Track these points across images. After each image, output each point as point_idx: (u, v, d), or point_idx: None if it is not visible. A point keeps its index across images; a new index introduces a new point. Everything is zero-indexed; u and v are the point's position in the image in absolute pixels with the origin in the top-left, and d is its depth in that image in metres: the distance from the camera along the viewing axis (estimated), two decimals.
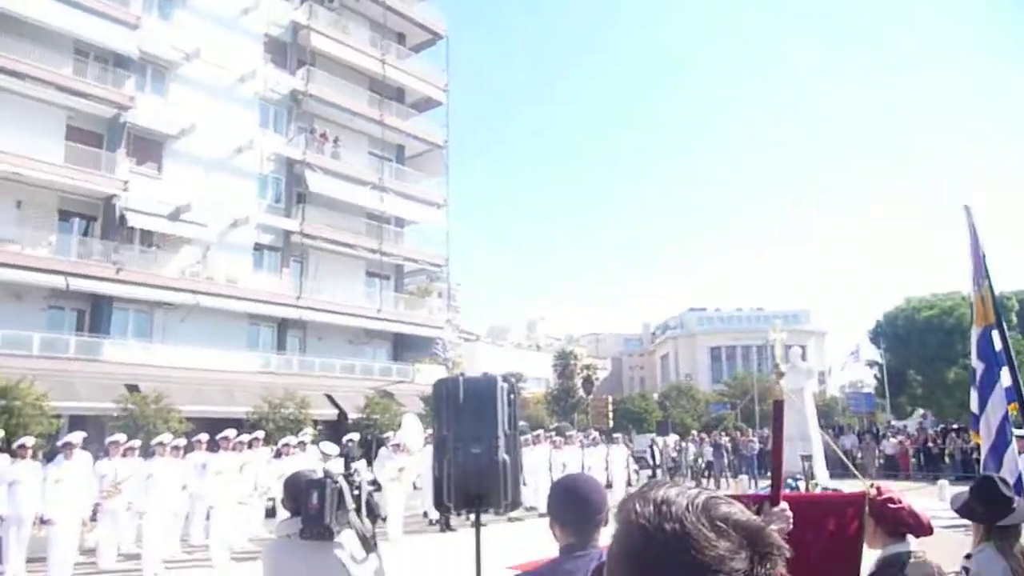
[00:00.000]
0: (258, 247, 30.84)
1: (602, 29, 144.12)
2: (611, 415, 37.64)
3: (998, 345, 5.84)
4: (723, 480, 25.42)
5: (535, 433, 19.65)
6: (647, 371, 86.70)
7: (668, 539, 0.88)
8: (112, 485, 11.41)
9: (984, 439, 5.87)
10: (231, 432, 13.35)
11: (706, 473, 26.24)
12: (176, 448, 12.13)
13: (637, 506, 0.93)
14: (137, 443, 12.75)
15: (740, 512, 0.92)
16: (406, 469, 13.84)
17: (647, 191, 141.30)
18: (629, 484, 22.67)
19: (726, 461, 26.56)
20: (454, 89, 39.39)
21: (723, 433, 28.35)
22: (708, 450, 27.15)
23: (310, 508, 3.13)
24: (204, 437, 13.36)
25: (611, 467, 20.83)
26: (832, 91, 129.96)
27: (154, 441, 12.26)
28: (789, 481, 16.15)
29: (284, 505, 3.35)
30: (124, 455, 12.09)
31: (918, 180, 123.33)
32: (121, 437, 12.58)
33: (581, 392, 52.65)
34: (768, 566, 0.89)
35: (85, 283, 24.64)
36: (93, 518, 11.43)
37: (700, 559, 0.86)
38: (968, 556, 3.28)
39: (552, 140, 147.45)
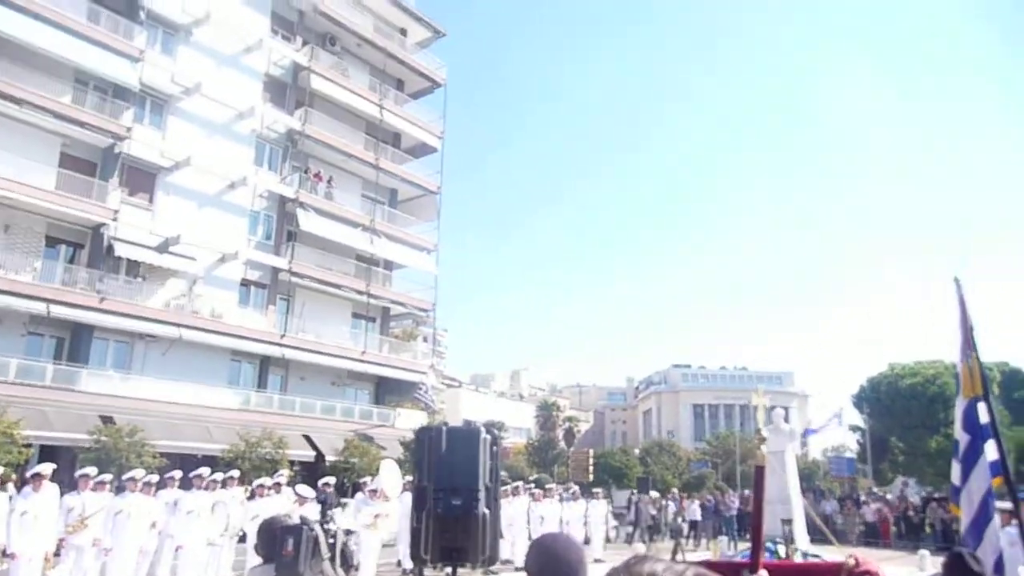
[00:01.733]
0: (245, 283, 30.72)
1: (600, 91, 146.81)
2: (592, 469, 37.23)
3: (984, 418, 5.84)
4: (704, 540, 25.09)
5: (514, 485, 19.37)
6: (629, 425, 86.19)
7: None
8: (79, 520, 11.11)
9: (965, 512, 5.83)
10: (205, 470, 13.07)
11: (689, 533, 25.91)
12: (148, 484, 11.85)
13: None
14: (108, 477, 12.43)
15: None
16: (382, 516, 13.56)
17: (638, 246, 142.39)
18: (608, 541, 22.34)
19: (711, 522, 26.35)
20: (449, 135, 39.84)
21: (708, 493, 28.09)
22: (694, 509, 26.92)
23: (285, 555, 3.05)
24: (177, 474, 13.08)
25: (590, 523, 20.55)
26: (819, 155, 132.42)
27: (125, 476, 11.98)
28: (769, 545, 15.97)
29: (257, 550, 3.26)
30: (94, 489, 11.76)
31: (907, 249, 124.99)
32: (92, 470, 12.27)
33: (563, 444, 52.22)
34: None
35: (66, 311, 24.38)
36: (57, 553, 11.09)
37: None
38: None
39: (543, 193, 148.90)
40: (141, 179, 27.75)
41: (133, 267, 27.08)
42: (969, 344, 5.92)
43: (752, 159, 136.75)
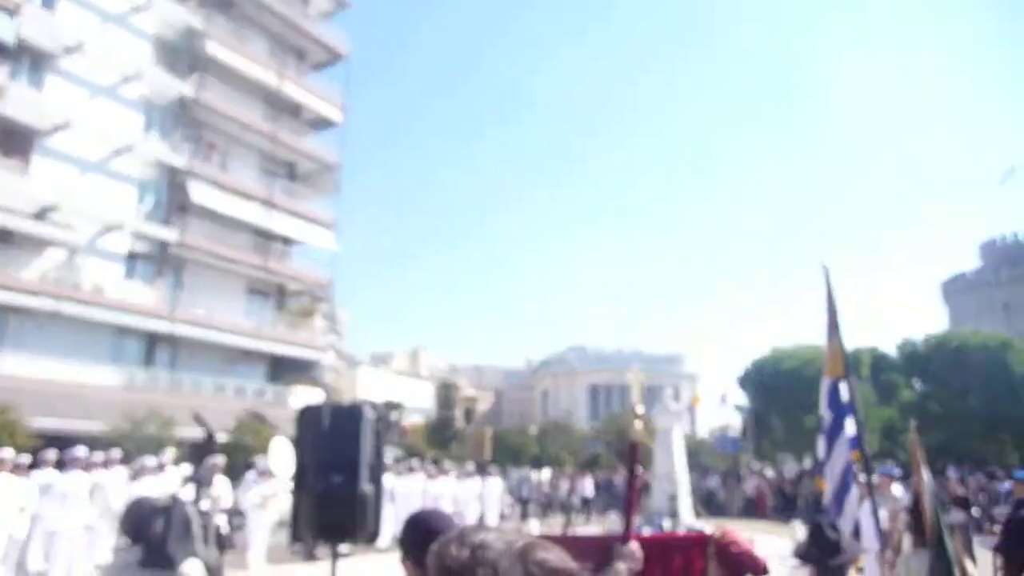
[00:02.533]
0: (132, 256, 29.26)
1: (508, 60, 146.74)
2: (490, 448, 37.58)
3: (845, 396, 6.27)
4: (595, 516, 25.87)
5: (409, 464, 19.39)
6: (527, 405, 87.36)
7: None
8: None
9: (828, 484, 6.26)
10: (82, 450, 12.47)
11: (582, 510, 26.62)
12: (18, 465, 11.22)
13: (453, 549, 0.94)
14: None
15: (556, 558, 0.94)
16: (272, 496, 13.30)
17: (537, 223, 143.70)
18: (503, 518, 22.69)
19: (600, 498, 27.18)
20: (354, 111, 39.07)
21: (598, 471, 28.90)
22: (587, 486, 27.65)
23: (152, 535, 2.97)
24: (52, 455, 12.41)
25: (484, 500, 20.80)
26: (712, 132, 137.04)
27: None
28: (655, 519, 16.63)
29: (123, 531, 3.16)
30: None
31: (797, 235, 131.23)
32: None
33: (461, 423, 52.52)
34: None
35: None
36: None
37: None
38: None
39: (446, 171, 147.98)
40: (16, 141, 25.91)
41: (6, 235, 25.33)
42: (834, 327, 6.31)
43: (645, 130, 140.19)
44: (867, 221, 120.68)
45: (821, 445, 6.30)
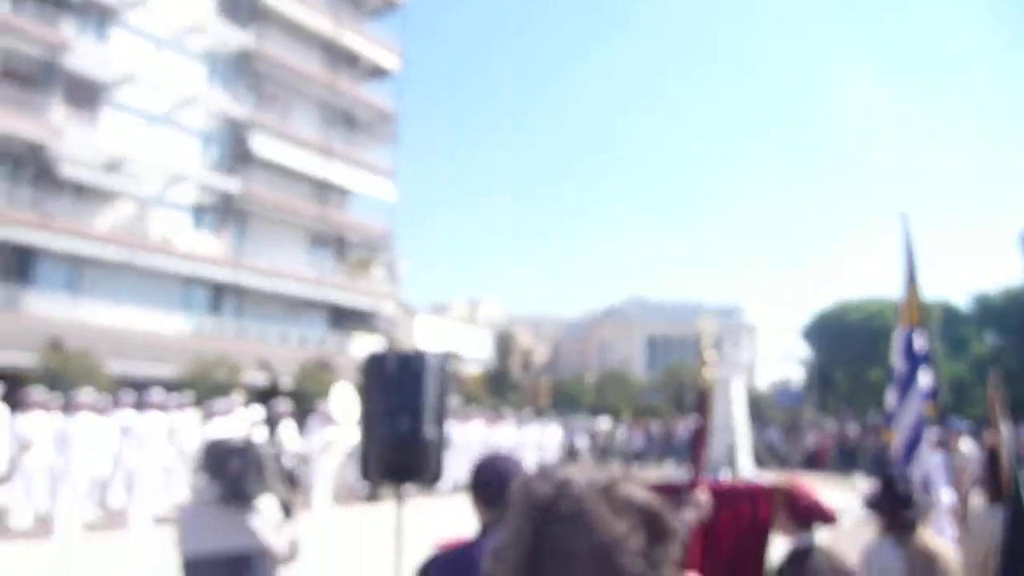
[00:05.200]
0: (197, 207, 30.02)
1: (569, 16, 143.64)
2: (548, 397, 38.00)
3: (919, 346, 6.06)
4: (652, 466, 25.97)
5: (469, 410, 19.71)
6: (585, 355, 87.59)
7: (565, 517, 0.88)
8: (28, 442, 11.01)
9: (898, 436, 6.11)
10: (158, 392, 12.99)
11: (637, 458, 26.76)
12: (98, 407, 11.75)
13: (536, 485, 0.93)
14: (57, 400, 12.29)
15: (640, 493, 0.93)
16: (335, 440, 13.70)
17: (596, 174, 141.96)
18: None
19: (657, 448, 27.19)
20: (411, 59, 38.90)
21: (654, 421, 28.93)
22: (640, 436, 27.69)
23: (230, 474, 3.07)
24: (130, 397, 12.98)
25: (544, 448, 21.06)
26: (772, 88, 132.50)
27: (76, 398, 11.85)
28: (713, 469, 16.61)
29: (202, 469, 3.28)
30: (43, 411, 11.65)
31: (857, 183, 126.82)
32: (40, 392, 12.13)
33: (520, 373, 53.07)
34: (663, 547, 0.89)
35: (9, 231, 23.60)
36: (7, 476, 11.03)
37: (597, 538, 0.86)
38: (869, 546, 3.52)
39: (505, 120, 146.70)
40: (84, 95, 26.60)
41: (79, 188, 26.20)
42: (911, 276, 6.09)
43: (702, 93, 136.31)
44: (940, 169, 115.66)
45: (892, 396, 6.13)
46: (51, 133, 24.69)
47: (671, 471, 23.66)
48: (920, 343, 5.96)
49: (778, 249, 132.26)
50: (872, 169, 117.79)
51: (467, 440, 17.34)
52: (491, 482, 2.43)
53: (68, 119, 25.57)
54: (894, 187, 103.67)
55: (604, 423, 30.08)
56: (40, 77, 25.47)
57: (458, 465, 14.34)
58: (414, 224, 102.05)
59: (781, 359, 44.25)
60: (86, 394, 11.79)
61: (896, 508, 3.42)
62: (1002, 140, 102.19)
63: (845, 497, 14.28)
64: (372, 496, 14.28)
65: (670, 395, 43.93)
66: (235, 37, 30.87)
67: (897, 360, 6.11)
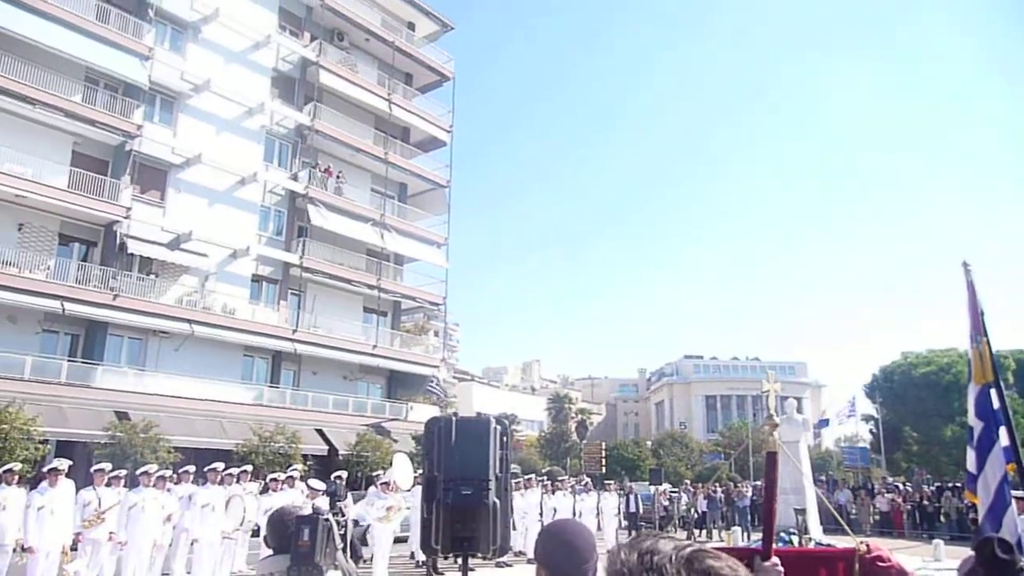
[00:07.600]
0: (256, 279, 30.86)
1: (614, 81, 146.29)
2: (604, 461, 37.30)
3: (996, 404, 5.81)
4: (715, 532, 25.07)
5: (527, 477, 19.44)
6: (641, 417, 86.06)
7: None
8: (95, 514, 11.21)
9: (982, 500, 5.80)
10: (219, 464, 13.18)
11: (699, 524, 25.91)
12: (162, 478, 11.96)
13: (623, 555, 0.93)
14: (123, 472, 12.55)
15: (725, 566, 0.91)
16: (394, 509, 13.64)
17: (648, 236, 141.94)
18: (621, 531, 22.35)
19: (719, 512, 26.26)
20: (458, 128, 39.88)
21: (716, 484, 28.03)
22: (702, 501, 26.81)
23: (300, 545, 3.04)
24: (191, 468, 13.20)
25: (603, 514, 20.57)
26: (829, 146, 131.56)
27: (139, 471, 12.08)
28: (782, 535, 15.95)
29: (267, 542, 3.27)
30: (109, 484, 11.88)
31: (916, 235, 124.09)
32: (107, 465, 12.39)
33: (575, 436, 52.29)
34: None
35: (81, 308, 24.55)
36: (74, 547, 11.21)
37: None
38: None
39: (552, 183, 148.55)
40: (152, 176, 27.90)
41: (146, 264, 27.23)
42: (979, 329, 5.87)
43: (762, 149, 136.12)
44: (999, 212, 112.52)
45: (971, 457, 5.86)
46: (121, 213, 25.84)
47: (737, 537, 22.81)
48: (995, 399, 5.71)
49: (839, 301, 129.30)
50: (934, 213, 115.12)
51: (525, 507, 17.05)
52: (558, 550, 2.37)
53: (136, 200, 26.78)
54: (959, 233, 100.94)
55: (664, 487, 29.27)
56: (111, 161, 26.82)
57: (515, 534, 14.10)
58: (467, 291, 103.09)
59: (843, 415, 42.62)
60: (150, 468, 12.03)
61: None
62: None
63: (923, 564, 13.56)
64: (432, 568, 14.07)
65: (731, 457, 42.69)
66: (291, 115, 32.17)
67: (974, 418, 5.86)
